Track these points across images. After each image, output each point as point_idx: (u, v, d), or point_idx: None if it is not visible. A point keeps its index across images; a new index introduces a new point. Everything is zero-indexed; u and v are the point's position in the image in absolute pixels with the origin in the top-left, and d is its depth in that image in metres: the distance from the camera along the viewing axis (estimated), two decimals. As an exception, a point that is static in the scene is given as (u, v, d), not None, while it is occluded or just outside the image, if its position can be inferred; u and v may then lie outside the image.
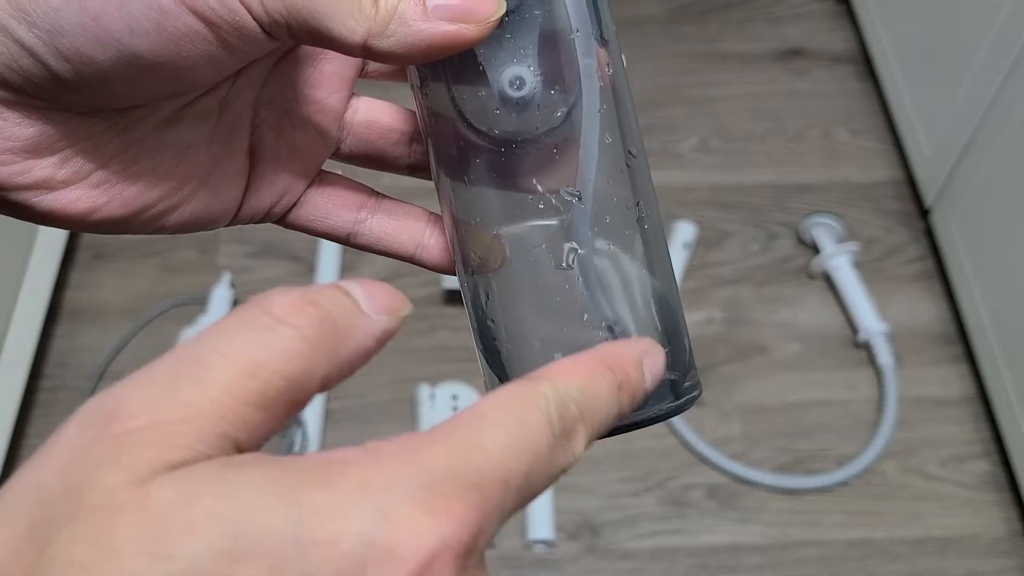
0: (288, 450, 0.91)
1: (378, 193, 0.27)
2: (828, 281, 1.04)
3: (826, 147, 1.17)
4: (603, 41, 0.22)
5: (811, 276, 1.05)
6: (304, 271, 1.05)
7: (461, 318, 1.02)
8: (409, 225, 0.26)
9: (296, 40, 0.20)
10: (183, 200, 0.24)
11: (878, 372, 0.97)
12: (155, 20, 0.18)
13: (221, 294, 0.99)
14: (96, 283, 1.05)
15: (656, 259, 0.23)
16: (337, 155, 0.27)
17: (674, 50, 1.26)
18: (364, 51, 0.20)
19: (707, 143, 1.16)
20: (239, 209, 0.25)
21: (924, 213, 1.08)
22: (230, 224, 0.26)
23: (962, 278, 0.97)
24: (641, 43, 1.27)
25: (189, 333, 0.95)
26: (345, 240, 0.27)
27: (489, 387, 0.24)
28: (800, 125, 1.19)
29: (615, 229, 0.22)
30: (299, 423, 0.92)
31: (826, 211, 1.07)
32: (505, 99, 0.22)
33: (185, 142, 0.23)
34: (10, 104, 0.19)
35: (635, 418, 0.22)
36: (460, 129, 0.23)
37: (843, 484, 0.91)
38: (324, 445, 0.93)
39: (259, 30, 0.19)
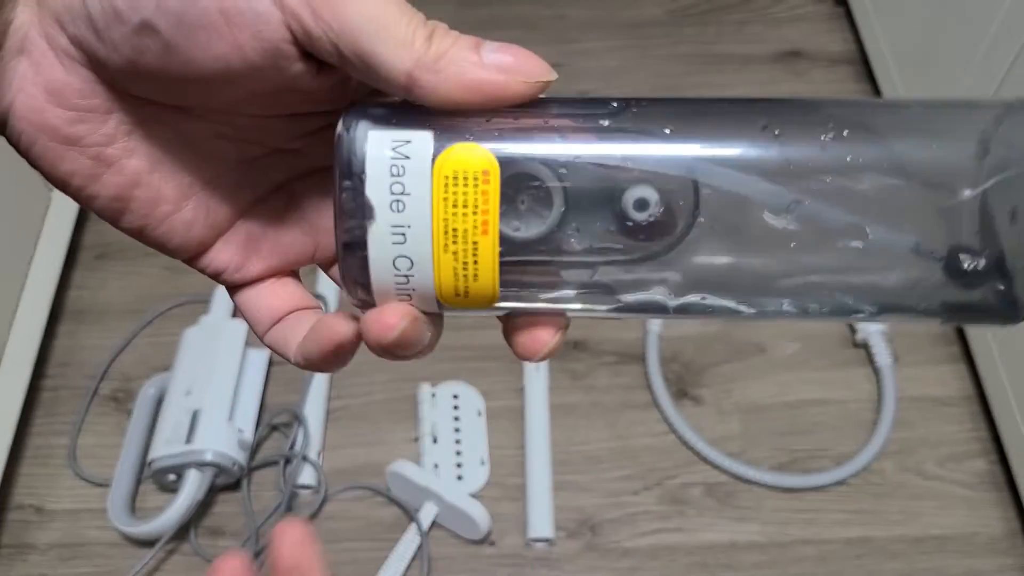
0: (290, 449, 0.91)
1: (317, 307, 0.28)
2: (827, 281, 1.05)
3: (825, 148, 1.17)
4: None
5: (810, 276, 1.06)
6: (307, 271, 1.05)
7: (462, 317, 1.02)
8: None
9: (342, 65, 0.20)
10: (161, 215, 0.24)
11: (876, 371, 0.98)
12: (241, 47, 0.20)
13: (223, 294, 1.00)
14: (99, 283, 1.05)
15: None
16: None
17: (674, 52, 1.26)
18: (408, 81, 0.20)
19: (706, 144, 1.16)
20: (203, 251, 0.26)
21: (922, 214, 1.08)
22: (190, 261, 0.26)
23: (960, 278, 0.98)
24: (641, 44, 1.27)
25: (192, 332, 0.96)
26: (261, 337, 0.27)
27: None
28: (799, 126, 1.19)
29: None
30: (300, 422, 0.92)
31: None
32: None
33: (190, 162, 0.24)
34: (52, 47, 0.21)
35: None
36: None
37: (841, 483, 0.91)
38: (325, 444, 0.93)
39: (295, 51, 0.20)
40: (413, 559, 0.86)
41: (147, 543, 0.86)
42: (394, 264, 0.21)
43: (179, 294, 1.03)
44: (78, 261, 1.07)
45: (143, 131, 0.23)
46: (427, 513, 0.87)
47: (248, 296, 0.27)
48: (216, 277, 0.27)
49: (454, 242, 0.21)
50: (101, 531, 0.88)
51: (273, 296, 0.27)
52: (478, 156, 0.21)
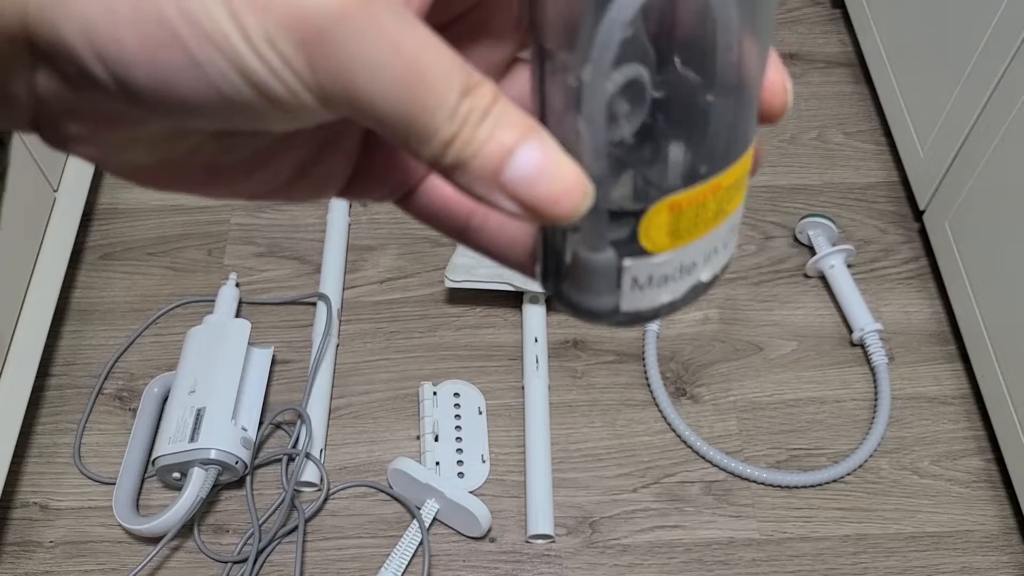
0: (293, 447, 0.92)
1: None
2: (823, 281, 1.06)
3: (821, 149, 1.18)
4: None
5: (806, 276, 1.07)
6: (310, 271, 1.07)
7: (463, 317, 1.03)
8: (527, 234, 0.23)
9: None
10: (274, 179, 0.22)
11: (872, 370, 0.98)
12: (219, 90, 0.17)
13: (228, 293, 1.00)
14: (104, 282, 1.06)
15: None
16: None
17: (672, 54, 1.27)
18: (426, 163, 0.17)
19: (705, 145, 1.17)
20: (346, 188, 0.23)
21: (918, 214, 1.09)
22: (339, 195, 0.23)
23: (956, 278, 0.98)
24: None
25: (196, 331, 0.97)
26: (458, 236, 0.24)
27: None
28: (795, 128, 1.20)
29: None
30: (303, 420, 0.93)
31: (821, 212, 1.08)
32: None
33: (283, 139, 0.21)
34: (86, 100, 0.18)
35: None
36: None
37: (838, 480, 0.92)
38: (328, 443, 0.94)
39: (327, 113, 0.17)
40: (414, 556, 0.87)
41: (151, 540, 0.87)
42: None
43: (183, 293, 1.04)
44: (83, 261, 1.07)
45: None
46: (428, 510, 0.87)
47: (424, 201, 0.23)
48: (374, 201, 0.23)
49: None
50: (106, 528, 0.89)
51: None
52: None
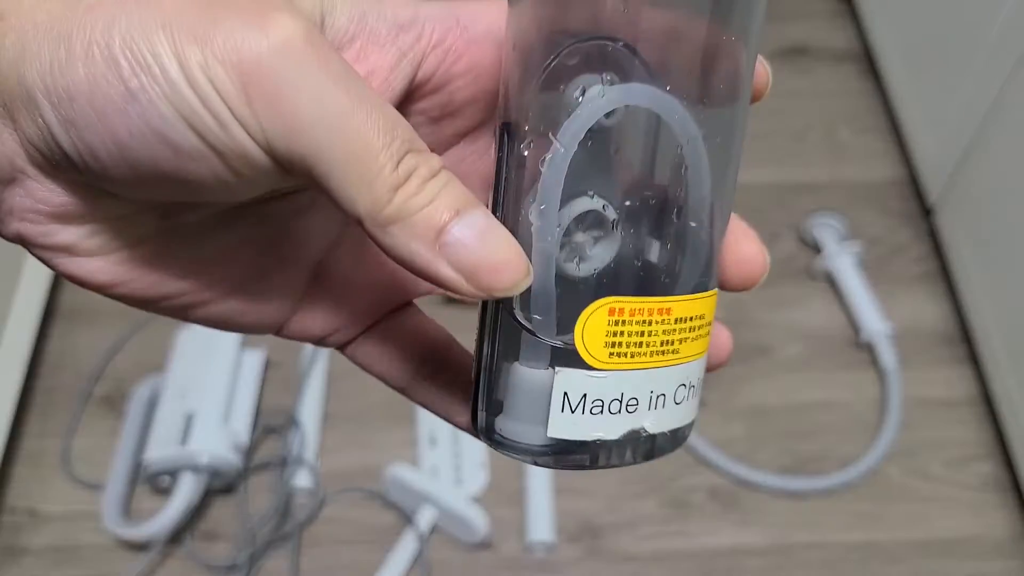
0: (285, 451, 0.90)
1: (454, 342, 0.24)
2: (830, 281, 1.04)
3: (829, 146, 1.16)
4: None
5: (813, 276, 1.05)
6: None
7: (460, 319, 1.01)
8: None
9: (302, 182, 0.17)
10: (214, 299, 0.21)
11: (881, 373, 0.97)
12: (158, 132, 0.17)
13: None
14: (93, 283, 1.04)
15: None
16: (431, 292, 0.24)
17: (675, 48, 1.25)
18: (359, 225, 0.17)
19: (709, 142, 1.15)
20: (282, 327, 0.23)
21: (927, 212, 1.07)
22: (277, 335, 0.23)
23: (965, 278, 0.97)
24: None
25: (186, 334, 0.95)
26: (401, 391, 0.24)
27: None
28: (802, 124, 1.18)
29: None
30: (296, 425, 0.91)
31: (828, 211, 1.06)
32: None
33: (232, 244, 0.21)
34: (42, 169, 0.18)
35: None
36: None
37: (846, 486, 0.90)
38: (322, 447, 0.92)
39: (267, 161, 0.17)
40: (412, 564, 0.85)
41: (141, 547, 0.85)
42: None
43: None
44: (72, 260, 1.06)
45: (122, 224, 0.20)
46: (425, 517, 0.86)
47: (368, 351, 0.24)
48: (320, 344, 0.24)
49: None
50: (95, 534, 0.87)
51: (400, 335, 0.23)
52: None
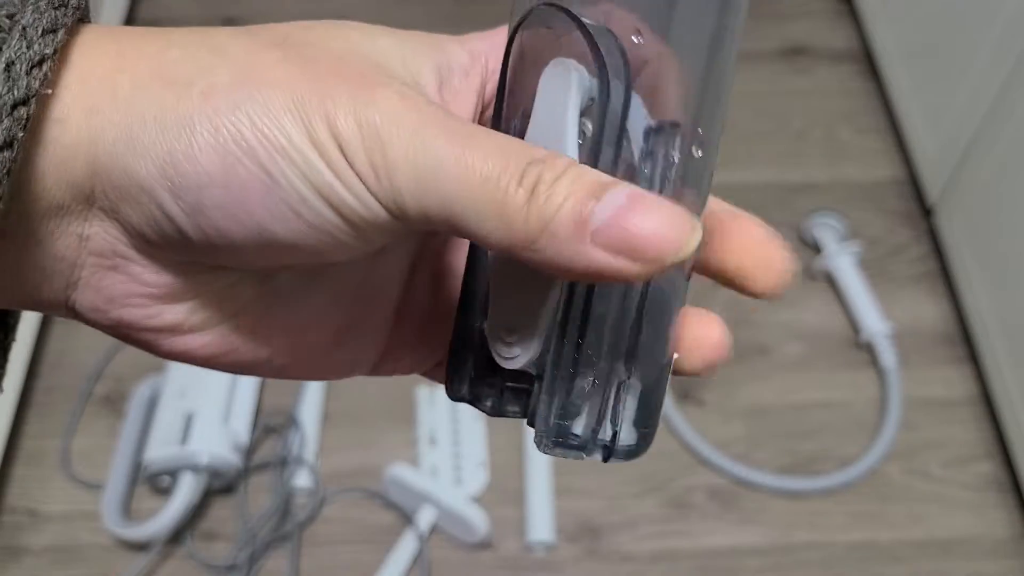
0: (285, 451, 0.90)
1: None
2: (830, 281, 1.04)
3: (828, 146, 1.16)
4: None
5: (813, 276, 1.05)
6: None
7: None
8: None
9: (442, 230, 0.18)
10: (312, 355, 0.22)
11: (880, 373, 0.96)
12: (296, 210, 0.17)
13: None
14: (93, 282, 1.04)
15: None
16: None
17: (675, 48, 1.25)
18: (518, 256, 0.17)
19: (708, 142, 1.15)
20: (373, 369, 0.23)
21: (927, 212, 1.07)
22: (370, 374, 0.24)
23: (965, 278, 0.97)
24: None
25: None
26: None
27: None
28: (802, 124, 1.18)
29: None
30: (296, 425, 0.91)
31: (828, 210, 1.06)
32: None
33: (324, 298, 0.21)
34: (145, 253, 0.18)
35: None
36: None
37: (845, 486, 0.90)
38: (322, 447, 0.92)
39: (396, 223, 0.17)
40: (412, 564, 0.85)
41: (141, 547, 0.85)
42: None
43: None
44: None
45: (224, 296, 0.20)
46: (425, 517, 0.86)
47: None
48: (411, 373, 0.24)
49: None
50: (95, 534, 0.87)
51: None
52: None
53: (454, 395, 0.22)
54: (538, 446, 0.21)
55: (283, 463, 0.90)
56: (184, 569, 0.85)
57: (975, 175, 0.95)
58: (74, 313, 0.20)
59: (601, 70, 0.18)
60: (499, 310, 0.21)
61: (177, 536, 0.86)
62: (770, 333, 1.00)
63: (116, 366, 0.98)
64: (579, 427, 0.20)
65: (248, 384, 0.93)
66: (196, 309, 0.20)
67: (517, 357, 0.20)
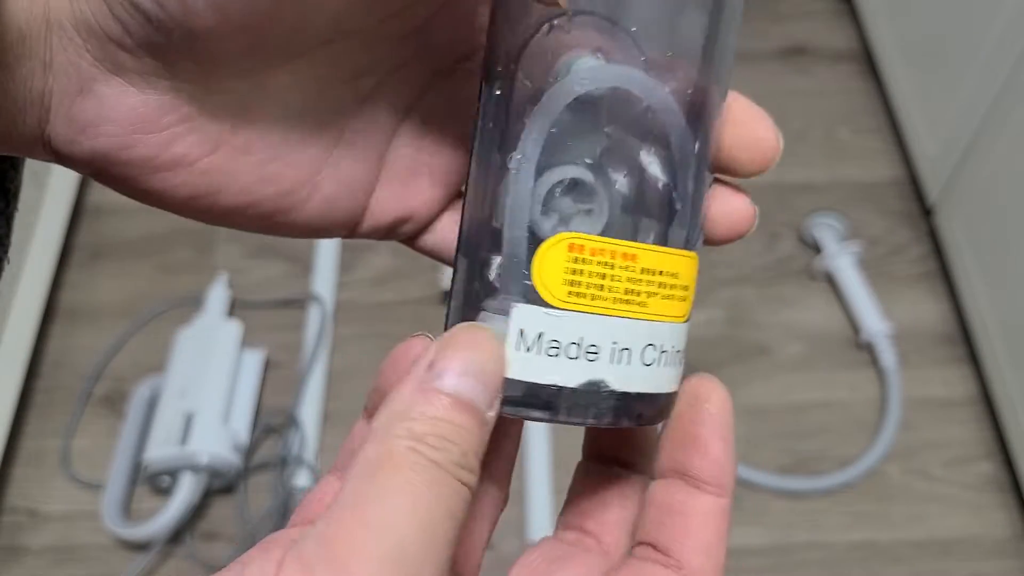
0: (285, 451, 0.90)
1: None
2: (830, 281, 1.04)
3: (828, 146, 1.16)
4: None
5: (813, 276, 1.05)
6: (301, 271, 1.05)
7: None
8: None
9: None
10: (297, 202, 0.21)
11: (881, 373, 0.97)
12: None
13: (218, 294, 0.99)
14: (92, 283, 1.04)
15: None
16: None
17: (675, 48, 1.25)
18: None
19: (708, 142, 1.15)
20: (360, 221, 0.23)
21: (927, 212, 1.07)
22: (350, 236, 0.23)
23: (965, 278, 0.97)
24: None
25: (186, 333, 0.95)
26: None
27: None
28: (802, 124, 1.18)
29: None
30: (296, 425, 0.91)
31: (828, 211, 1.06)
32: None
33: (309, 134, 0.21)
34: (111, 68, 0.18)
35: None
36: None
37: (845, 486, 0.90)
38: (321, 446, 0.92)
39: None
40: (411, 563, 0.85)
41: (141, 547, 0.85)
42: None
43: (173, 294, 1.02)
44: (71, 260, 1.06)
45: (202, 125, 0.20)
46: (425, 517, 0.85)
47: (436, 240, 0.24)
48: (392, 236, 0.24)
49: None
50: (95, 534, 0.87)
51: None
52: None
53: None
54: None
55: (283, 463, 0.90)
56: (184, 569, 0.85)
57: (975, 175, 0.95)
58: (52, 151, 0.19)
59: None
60: None
61: (177, 536, 0.86)
62: (770, 333, 1.00)
63: (116, 366, 0.98)
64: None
65: (248, 384, 0.93)
66: (171, 141, 0.19)
67: None
